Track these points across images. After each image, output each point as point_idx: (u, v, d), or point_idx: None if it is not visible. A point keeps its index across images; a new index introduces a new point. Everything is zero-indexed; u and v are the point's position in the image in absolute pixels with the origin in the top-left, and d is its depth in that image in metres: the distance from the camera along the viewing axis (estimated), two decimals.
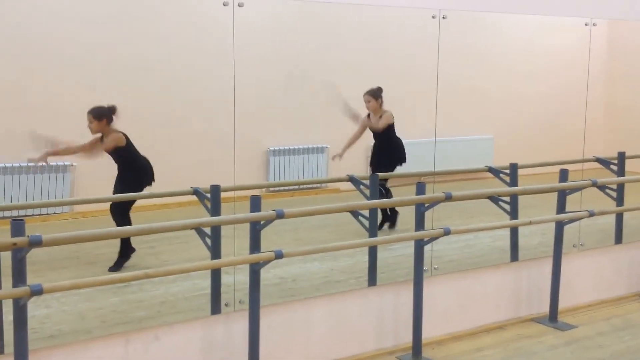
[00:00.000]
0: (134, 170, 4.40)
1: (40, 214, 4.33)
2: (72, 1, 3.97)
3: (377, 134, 5.25)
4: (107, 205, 4.41)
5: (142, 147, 4.36)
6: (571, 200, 5.12)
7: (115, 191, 4.36)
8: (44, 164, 4.19)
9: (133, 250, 4.42)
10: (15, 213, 4.07)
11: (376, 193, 4.65)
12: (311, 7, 4.58)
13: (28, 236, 3.10)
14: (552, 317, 5.16)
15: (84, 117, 4.21)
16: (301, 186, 5.27)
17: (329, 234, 5.12)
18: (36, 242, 3.09)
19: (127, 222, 4.33)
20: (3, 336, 3.41)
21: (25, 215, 4.10)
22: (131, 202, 4.39)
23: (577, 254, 5.59)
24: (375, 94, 5.15)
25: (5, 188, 4.30)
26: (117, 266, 4.35)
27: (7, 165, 4.27)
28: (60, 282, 3.26)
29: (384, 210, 5.29)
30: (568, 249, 5.38)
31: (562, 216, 5.01)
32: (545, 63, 5.90)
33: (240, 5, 4.11)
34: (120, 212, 4.37)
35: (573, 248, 5.56)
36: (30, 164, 4.22)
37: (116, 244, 4.39)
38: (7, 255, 3.26)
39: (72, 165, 4.39)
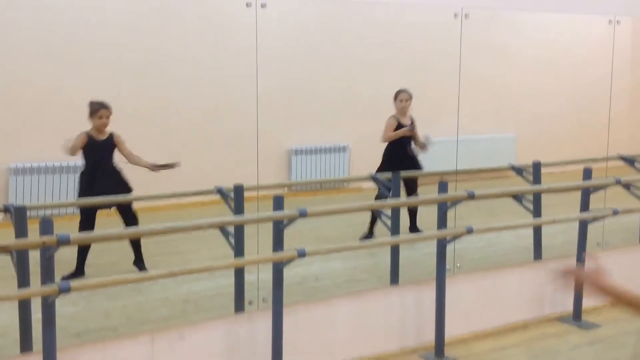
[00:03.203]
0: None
1: (67, 214, 4.39)
2: (97, 5, 4.02)
3: (404, 139, 5.16)
4: (135, 204, 4.44)
5: (166, 147, 4.41)
6: (595, 199, 5.07)
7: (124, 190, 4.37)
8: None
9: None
10: (42, 212, 4.13)
11: (398, 192, 4.65)
12: (333, 7, 4.60)
13: (56, 235, 3.15)
14: (576, 316, 5.12)
15: (114, 119, 4.23)
16: (323, 185, 5.29)
17: (350, 232, 5.13)
18: (64, 241, 3.14)
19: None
20: (32, 334, 3.47)
21: (52, 215, 4.16)
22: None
23: (601, 253, 5.54)
24: (411, 95, 5.08)
25: (32, 188, 4.37)
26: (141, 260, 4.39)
27: (33, 165, 4.34)
28: (87, 280, 3.31)
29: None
30: (592, 248, 5.33)
31: (585, 215, 4.98)
32: (568, 61, 5.86)
33: (262, 6, 4.14)
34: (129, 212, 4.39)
35: (597, 246, 5.51)
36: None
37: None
38: (33, 254, 3.32)
39: None
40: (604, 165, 5.62)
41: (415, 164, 5.17)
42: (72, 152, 4.22)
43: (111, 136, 4.29)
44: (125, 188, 4.35)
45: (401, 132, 5.03)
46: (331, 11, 4.70)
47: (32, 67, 4.05)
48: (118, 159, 4.31)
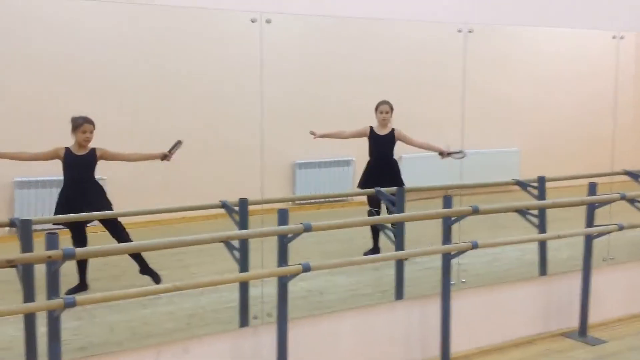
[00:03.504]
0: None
1: None
2: (101, 18, 4.04)
3: (381, 150, 5.13)
4: (138, 218, 4.44)
5: (171, 161, 4.41)
6: (600, 214, 5.07)
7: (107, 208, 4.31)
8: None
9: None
10: (46, 226, 4.14)
11: (402, 207, 4.65)
12: (337, 23, 4.63)
13: (62, 249, 3.16)
14: (582, 331, 5.10)
15: (117, 134, 4.24)
16: (327, 199, 5.29)
17: (354, 246, 5.12)
18: (70, 255, 3.15)
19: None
20: (37, 348, 3.46)
21: (58, 228, 4.17)
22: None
23: (607, 268, 5.53)
24: (392, 106, 5.07)
25: (37, 201, 4.38)
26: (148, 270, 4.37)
27: (39, 179, 4.35)
28: (92, 294, 3.31)
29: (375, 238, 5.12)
30: (597, 263, 5.32)
31: (591, 230, 4.97)
32: (572, 75, 5.88)
33: (268, 21, 4.17)
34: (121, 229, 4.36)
35: (602, 262, 5.50)
36: None
37: (144, 256, 4.42)
38: (37, 268, 3.32)
39: (102, 179, 4.45)
40: (609, 180, 5.61)
41: (396, 179, 5.11)
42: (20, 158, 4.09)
43: (93, 151, 4.26)
44: (106, 204, 4.32)
45: (324, 134, 4.95)
46: (335, 27, 4.72)
47: (38, 82, 4.08)
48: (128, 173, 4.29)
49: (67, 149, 4.23)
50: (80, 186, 4.29)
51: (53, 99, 4.14)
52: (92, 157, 4.25)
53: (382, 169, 5.13)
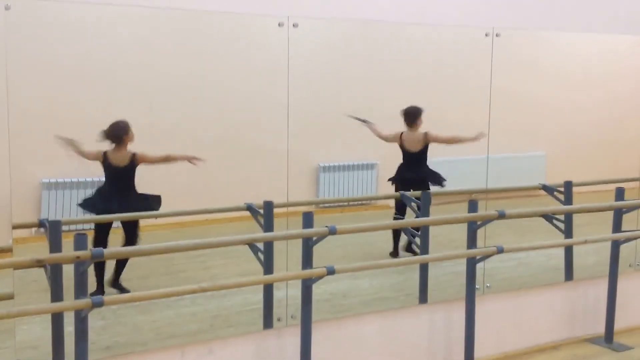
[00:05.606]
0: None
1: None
2: (126, 23, 4.07)
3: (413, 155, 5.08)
4: (162, 220, 4.45)
5: (195, 164, 4.42)
6: (627, 219, 5.01)
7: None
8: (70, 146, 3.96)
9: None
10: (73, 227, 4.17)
11: (427, 211, 4.63)
12: (364, 27, 4.62)
13: (90, 250, 3.19)
14: (608, 337, 5.04)
15: (144, 136, 4.25)
16: (351, 202, 5.28)
17: (376, 249, 5.11)
18: (98, 256, 3.18)
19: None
20: (64, 347, 3.50)
21: (84, 229, 4.21)
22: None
23: (634, 274, 5.47)
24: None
25: (64, 202, 4.42)
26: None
27: (66, 180, 4.39)
28: (119, 295, 3.34)
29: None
30: (624, 269, 5.26)
31: (618, 235, 4.92)
32: (599, 78, 5.81)
33: (295, 25, 4.18)
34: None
35: (629, 267, 5.43)
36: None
37: (169, 258, 4.42)
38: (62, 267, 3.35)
39: None
40: (636, 185, 5.55)
41: (424, 184, 5.06)
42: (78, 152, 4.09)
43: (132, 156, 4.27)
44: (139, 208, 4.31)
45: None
46: (362, 31, 4.71)
47: (68, 85, 4.12)
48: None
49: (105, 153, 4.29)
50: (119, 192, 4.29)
51: (81, 105, 4.16)
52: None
53: (413, 174, 5.11)
